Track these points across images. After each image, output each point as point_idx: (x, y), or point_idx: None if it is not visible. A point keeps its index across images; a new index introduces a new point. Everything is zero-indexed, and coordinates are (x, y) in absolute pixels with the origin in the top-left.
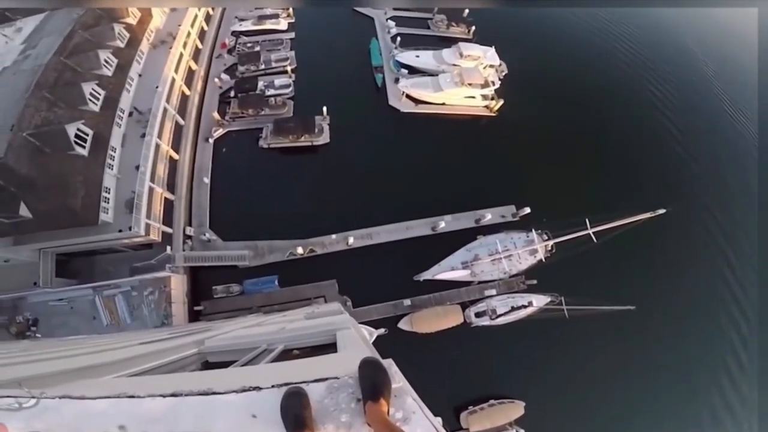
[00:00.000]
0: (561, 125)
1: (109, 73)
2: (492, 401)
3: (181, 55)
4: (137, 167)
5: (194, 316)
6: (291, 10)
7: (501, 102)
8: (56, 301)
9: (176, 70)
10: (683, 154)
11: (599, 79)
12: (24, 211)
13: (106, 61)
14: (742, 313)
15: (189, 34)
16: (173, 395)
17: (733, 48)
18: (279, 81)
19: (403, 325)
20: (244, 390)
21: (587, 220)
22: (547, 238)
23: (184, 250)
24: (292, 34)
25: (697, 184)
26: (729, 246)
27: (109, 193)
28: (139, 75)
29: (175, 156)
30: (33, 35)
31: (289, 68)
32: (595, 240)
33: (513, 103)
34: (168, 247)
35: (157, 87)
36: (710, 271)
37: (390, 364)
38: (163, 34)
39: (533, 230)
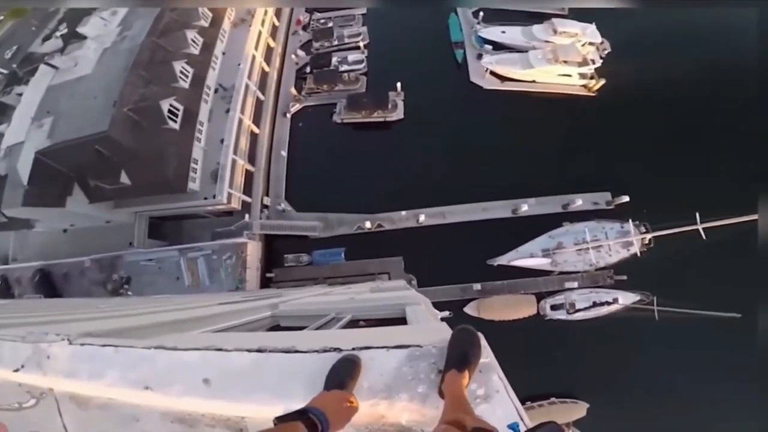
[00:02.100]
0: (669, 107)
1: (196, 52)
2: (553, 399)
3: (260, 33)
4: (222, 141)
5: (265, 283)
6: None
7: (602, 82)
8: (147, 261)
9: (256, 48)
10: None
11: (718, 58)
12: (124, 178)
13: (193, 41)
14: None
15: (266, 11)
16: (258, 351)
17: None
18: (352, 57)
19: (469, 310)
20: (325, 350)
21: (697, 214)
22: (645, 230)
23: (260, 219)
24: (364, 10)
25: None
26: None
27: (197, 164)
28: (223, 53)
29: (256, 130)
30: (127, 17)
31: (361, 44)
32: (704, 237)
33: (616, 83)
34: (246, 215)
35: (239, 64)
36: None
37: (481, 338)
38: (242, 13)
39: (630, 221)
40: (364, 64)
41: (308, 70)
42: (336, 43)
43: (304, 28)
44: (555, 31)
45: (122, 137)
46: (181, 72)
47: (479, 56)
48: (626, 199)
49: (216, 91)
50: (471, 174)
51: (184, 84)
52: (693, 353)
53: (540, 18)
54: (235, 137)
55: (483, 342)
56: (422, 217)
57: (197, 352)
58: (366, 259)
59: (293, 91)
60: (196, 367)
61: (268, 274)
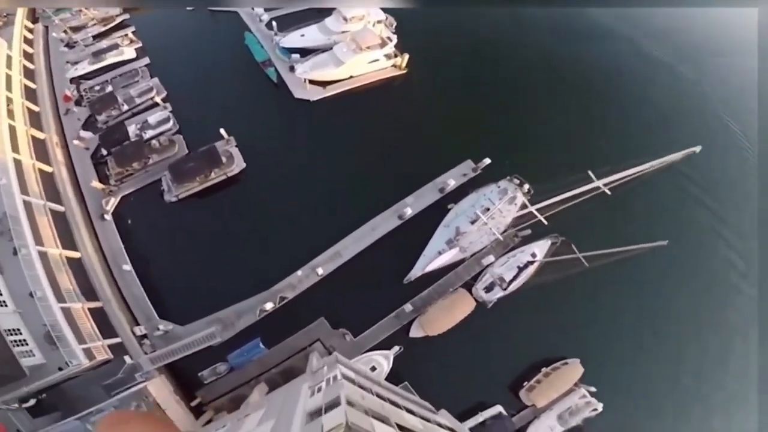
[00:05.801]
0: (475, 60)
1: None
2: (544, 369)
3: (13, 127)
4: (31, 294)
5: (197, 410)
6: (131, 34)
7: (406, 56)
8: None
9: (15, 150)
10: None
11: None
12: None
13: None
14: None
15: (10, 99)
16: None
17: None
18: (154, 117)
19: (414, 333)
20: None
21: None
22: (519, 182)
23: (146, 353)
24: (146, 59)
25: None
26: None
27: (17, 334)
28: None
29: (74, 254)
30: None
31: (158, 98)
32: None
33: (418, 53)
34: (126, 357)
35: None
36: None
37: None
38: None
39: (503, 179)
40: (172, 122)
41: (104, 151)
42: (126, 107)
43: (77, 102)
44: (345, 19)
45: None
46: None
47: (291, 68)
48: (488, 161)
49: None
50: (342, 197)
51: None
52: (632, 281)
53: (327, 11)
54: (48, 281)
55: None
56: (320, 270)
57: None
58: (288, 337)
59: (97, 184)
60: None
61: (192, 403)
